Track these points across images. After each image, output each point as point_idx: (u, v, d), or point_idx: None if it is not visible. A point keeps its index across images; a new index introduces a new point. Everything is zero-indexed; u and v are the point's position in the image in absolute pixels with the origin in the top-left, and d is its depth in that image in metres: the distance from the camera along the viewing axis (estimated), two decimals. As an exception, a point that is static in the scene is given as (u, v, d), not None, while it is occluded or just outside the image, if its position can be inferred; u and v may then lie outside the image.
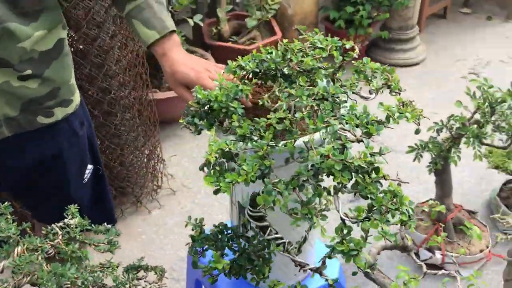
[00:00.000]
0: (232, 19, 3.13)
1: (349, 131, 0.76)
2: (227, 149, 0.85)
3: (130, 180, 2.21)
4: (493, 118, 1.87)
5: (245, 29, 3.11)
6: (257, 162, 0.83)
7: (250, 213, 0.94)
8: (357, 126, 0.78)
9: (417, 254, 2.03)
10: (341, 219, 0.78)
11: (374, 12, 3.16)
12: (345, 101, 0.82)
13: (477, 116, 1.86)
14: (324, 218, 0.76)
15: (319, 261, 0.85)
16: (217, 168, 0.85)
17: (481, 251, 2.01)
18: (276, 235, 0.93)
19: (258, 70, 0.99)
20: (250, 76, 1.01)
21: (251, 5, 3.01)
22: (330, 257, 0.77)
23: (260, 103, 0.98)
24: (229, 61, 1.04)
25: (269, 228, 0.94)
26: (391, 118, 0.81)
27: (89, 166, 1.29)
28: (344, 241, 0.74)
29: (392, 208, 0.74)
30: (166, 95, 2.56)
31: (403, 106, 0.87)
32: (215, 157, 0.85)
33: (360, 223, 0.76)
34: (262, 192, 0.79)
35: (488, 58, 3.44)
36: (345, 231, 0.76)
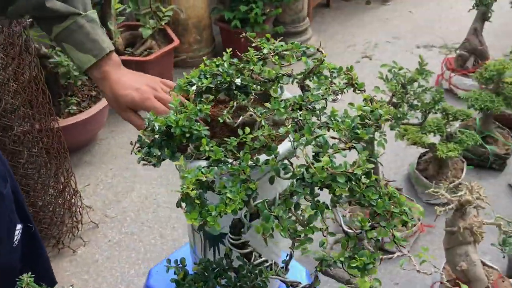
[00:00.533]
0: (124, 30, 2.96)
1: (339, 139, 0.72)
2: (204, 179, 0.76)
3: (45, 222, 1.99)
4: (407, 98, 1.96)
5: (139, 40, 2.96)
6: (242, 187, 0.75)
7: (232, 241, 0.87)
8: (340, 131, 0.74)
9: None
10: (344, 232, 0.74)
11: (267, 8, 3.17)
12: (325, 108, 0.77)
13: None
14: (332, 234, 0.71)
15: (311, 274, 0.80)
16: (197, 201, 0.76)
17: (414, 225, 2.11)
18: (262, 259, 0.87)
19: (212, 86, 0.91)
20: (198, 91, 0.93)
21: (142, 15, 2.86)
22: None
23: (221, 120, 0.90)
24: (178, 80, 0.94)
25: (253, 254, 0.87)
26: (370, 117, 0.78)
27: (18, 226, 1.11)
28: (356, 256, 0.70)
29: (396, 212, 0.72)
30: (67, 122, 2.35)
31: (371, 104, 0.84)
32: (193, 189, 0.75)
33: (365, 233, 0.72)
34: (250, 217, 0.72)
35: (375, 41, 3.64)
36: (351, 245, 0.72)
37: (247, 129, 0.84)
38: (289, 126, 0.73)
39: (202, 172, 0.76)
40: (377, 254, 0.70)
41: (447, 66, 3.11)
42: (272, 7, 3.22)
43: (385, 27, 3.88)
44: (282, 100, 0.77)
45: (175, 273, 0.84)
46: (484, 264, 1.81)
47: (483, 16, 2.93)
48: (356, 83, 0.87)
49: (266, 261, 0.86)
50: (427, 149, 2.31)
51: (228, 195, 0.74)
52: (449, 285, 1.61)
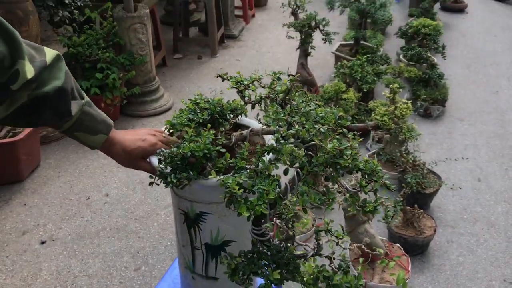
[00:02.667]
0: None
1: (332, 128, 1.02)
2: (241, 181, 0.99)
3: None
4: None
5: (-2, 123, 2.85)
6: (269, 180, 0.99)
7: (255, 231, 1.09)
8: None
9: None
10: (349, 192, 1.03)
11: (121, 72, 3.35)
12: (311, 110, 1.07)
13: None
14: (350, 194, 1.00)
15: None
16: (240, 199, 0.97)
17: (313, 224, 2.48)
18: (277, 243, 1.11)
19: (208, 118, 1.13)
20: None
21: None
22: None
23: (220, 142, 1.13)
24: (169, 121, 1.14)
25: (270, 239, 1.11)
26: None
27: None
28: (367, 203, 1.00)
29: (378, 170, 1.04)
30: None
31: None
32: (235, 190, 0.97)
33: (363, 188, 1.03)
34: (299, 196, 0.97)
35: (220, 87, 4.07)
36: (357, 200, 1.02)
37: (247, 144, 1.09)
38: (324, 128, 1.00)
39: (237, 178, 0.98)
40: (378, 199, 1.00)
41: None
42: (125, 71, 3.40)
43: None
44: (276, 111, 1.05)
45: (228, 264, 1.02)
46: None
47: (306, 53, 3.58)
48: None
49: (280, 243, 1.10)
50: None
51: (263, 187, 0.97)
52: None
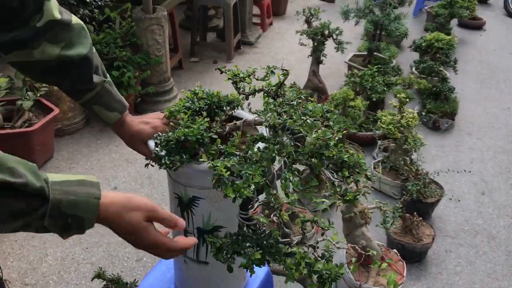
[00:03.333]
0: (-1, 105, 2.94)
1: (319, 120, 1.08)
2: (229, 165, 1.05)
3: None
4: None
5: (15, 113, 2.97)
6: (256, 166, 1.05)
7: (242, 216, 1.14)
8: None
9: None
10: (332, 181, 1.09)
11: (136, 72, 3.45)
12: (300, 102, 1.12)
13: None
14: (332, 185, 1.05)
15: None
16: (227, 182, 1.03)
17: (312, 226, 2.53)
18: (264, 228, 1.16)
19: (203, 107, 1.20)
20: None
21: (20, 88, 2.90)
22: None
23: (214, 130, 1.19)
24: (168, 108, 1.21)
25: (257, 224, 1.16)
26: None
27: None
28: (347, 193, 1.05)
29: (362, 162, 1.09)
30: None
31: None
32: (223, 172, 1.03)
33: (345, 179, 1.08)
34: (282, 181, 1.02)
35: (231, 90, 4.13)
36: (339, 189, 1.07)
37: (239, 133, 1.15)
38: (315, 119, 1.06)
39: (226, 162, 1.04)
40: (360, 189, 1.06)
41: (297, 103, 3.72)
42: (140, 71, 3.50)
43: (235, 80, 4.43)
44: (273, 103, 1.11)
45: (213, 243, 1.08)
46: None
47: (318, 60, 3.64)
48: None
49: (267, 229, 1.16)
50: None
51: (249, 172, 1.03)
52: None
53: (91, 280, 0.98)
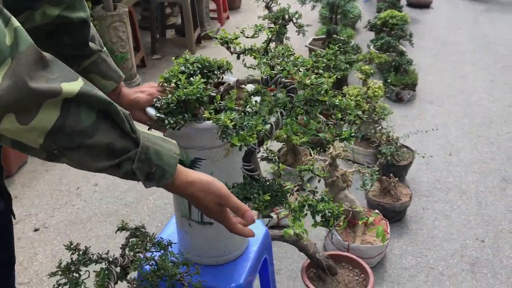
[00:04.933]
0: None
1: (309, 69, 1.16)
2: (232, 116, 1.11)
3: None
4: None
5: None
6: (257, 116, 1.12)
7: (246, 167, 1.21)
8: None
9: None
10: (327, 123, 1.17)
11: (103, 70, 3.44)
12: (291, 55, 1.20)
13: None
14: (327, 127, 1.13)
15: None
16: (232, 132, 1.10)
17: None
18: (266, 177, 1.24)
19: (197, 70, 1.26)
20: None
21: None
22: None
23: (208, 92, 1.26)
24: (162, 75, 1.27)
25: (259, 174, 1.23)
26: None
27: None
28: (342, 132, 1.13)
29: (351, 106, 1.18)
30: None
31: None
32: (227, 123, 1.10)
33: (338, 121, 1.16)
34: (281, 128, 1.10)
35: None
36: (333, 129, 1.16)
37: (235, 91, 1.22)
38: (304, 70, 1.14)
39: (229, 115, 1.11)
40: (351, 128, 1.14)
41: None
42: (107, 69, 3.50)
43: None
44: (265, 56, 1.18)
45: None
46: (356, 204, 2.40)
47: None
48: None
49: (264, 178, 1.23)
50: (283, 143, 2.87)
51: (252, 122, 1.10)
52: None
53: (115, 233, 1.02)
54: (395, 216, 2.55)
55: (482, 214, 2.64)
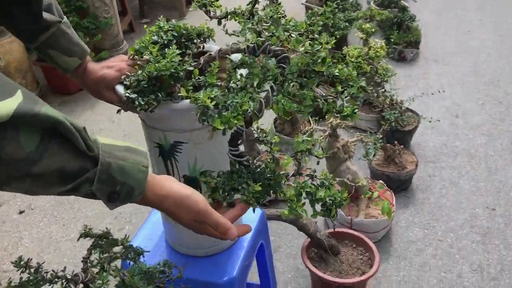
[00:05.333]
0: None
1: (303, 34, 0.98)
2: (213, 95, 0.94)
3: None
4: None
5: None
6: (243, 92, 0.95)
7: (232, 152, 1.04)
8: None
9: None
10: (325, 99, 1.00)
11: (87, 37, 3.23)
12: (281, 17, 1.02)
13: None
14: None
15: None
16: (213, 113, 0.93)
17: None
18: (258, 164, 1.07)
19: (173, 39, 1.08)
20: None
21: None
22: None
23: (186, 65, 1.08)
24: (133, 47, 1.08)
25: (249, 159, 1.07)
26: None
27: None
28: (344, 108, 0.96)
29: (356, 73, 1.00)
30: None
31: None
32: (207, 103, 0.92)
33: (339, 94, 0.99)
34: (274, 105, 0.93)
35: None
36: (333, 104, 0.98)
37: (217, 62, 1.05)
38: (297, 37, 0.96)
39: (210, 93, 0.94)
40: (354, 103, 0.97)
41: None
42: (91, 36, 3.29)
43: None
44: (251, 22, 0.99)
45: (207, 182, 0.98)
46: (359, 175, 2.25)
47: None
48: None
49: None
50: (280, 111, 2.69)
51: (236, 100, 0.93)
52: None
53: (77, 240, 0.87)
54: (401, 185, 2.40)
55: (492, 180, 2.49)
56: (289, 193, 1.01)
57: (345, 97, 0.99)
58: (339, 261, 1.80)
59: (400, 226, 2.23)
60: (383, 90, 2.77)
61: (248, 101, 0.93)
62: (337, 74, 0.98)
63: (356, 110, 0.98)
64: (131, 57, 1.13)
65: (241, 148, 1.06)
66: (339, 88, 0.99)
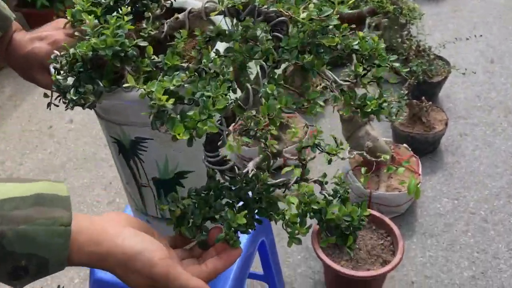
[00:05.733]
0: None
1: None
2: (172, 86, 0.64)
3: None
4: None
5: None
6: (218, 81, 0.65)
7: (210, 159, 0.75)
8: None
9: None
10: (337, 83, 0.69)
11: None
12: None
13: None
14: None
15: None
16: (174, 115, 0.63)
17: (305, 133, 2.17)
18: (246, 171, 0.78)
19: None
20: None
21: None
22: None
23: (145, 34, 0.77)
24: (70, 10, 0.77)
25: (235, 167, 0.77)
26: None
27: None
28: (367, 102, 0.66)
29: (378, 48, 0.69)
30: None
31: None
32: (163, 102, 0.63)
33: (360, 79, 0.69)
34: (263, 100, 0.62)
35: None
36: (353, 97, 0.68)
37: (184, 32, 0.74)
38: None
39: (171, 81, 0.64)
40: (384, 91, 0.67)
41: None
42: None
43: None
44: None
45: (171, 211, 0.71)
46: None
47: None
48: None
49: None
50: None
51: (208, 92, 0.63)
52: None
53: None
54: (428, 147, 2.10)
55: (533, 139, 2.17)
56: (289, 215, 0.73)
57: (369, 82, 0.69)
58: (356, 248, 1.54)
59: (426, 196, 1.95)
60: (408, 34, 2.39)
61: (226, 94, 0.63)
62: (356, 47, 0.67)
63: (384, 103, 0.68)
64: (69, 24, 0.82)
65: (223, 151, 0.76)
66: (359, 70, 0.68)
